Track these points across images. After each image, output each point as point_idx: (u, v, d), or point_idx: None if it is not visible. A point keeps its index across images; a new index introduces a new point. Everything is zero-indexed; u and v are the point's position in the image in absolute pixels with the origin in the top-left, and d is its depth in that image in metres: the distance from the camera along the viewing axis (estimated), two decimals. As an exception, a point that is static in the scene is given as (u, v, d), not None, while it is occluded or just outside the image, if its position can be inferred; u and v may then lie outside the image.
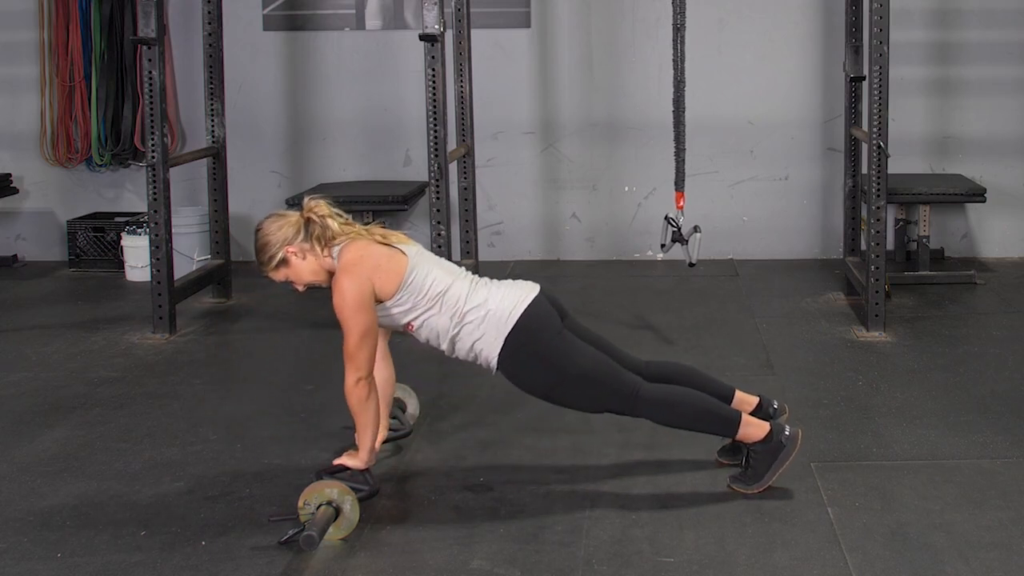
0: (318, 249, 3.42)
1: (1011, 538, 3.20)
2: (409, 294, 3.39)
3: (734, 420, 3.50)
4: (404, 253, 3.44)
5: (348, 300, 3.31)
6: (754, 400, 3.73)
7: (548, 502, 3.48)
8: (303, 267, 3.44)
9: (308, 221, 3.43)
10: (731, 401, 3.68)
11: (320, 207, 3.46)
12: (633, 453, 3.77)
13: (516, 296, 3.43)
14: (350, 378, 3.32)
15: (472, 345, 3.43)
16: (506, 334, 3.39)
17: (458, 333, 3.42)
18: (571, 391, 3.45)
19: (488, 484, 3.61)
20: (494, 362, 3.42)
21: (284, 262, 3.43)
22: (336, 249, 3.43)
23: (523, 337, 3.39)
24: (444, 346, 3.47)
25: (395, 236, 3.52)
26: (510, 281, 3.53)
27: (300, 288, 3.51)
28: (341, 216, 3.52)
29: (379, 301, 3.38)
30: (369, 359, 3.32)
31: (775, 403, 3.75)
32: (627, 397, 3.44)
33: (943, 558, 3.09)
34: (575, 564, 3.08)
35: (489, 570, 3.06)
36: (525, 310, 3.40)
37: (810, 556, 3.11)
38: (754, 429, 3.50)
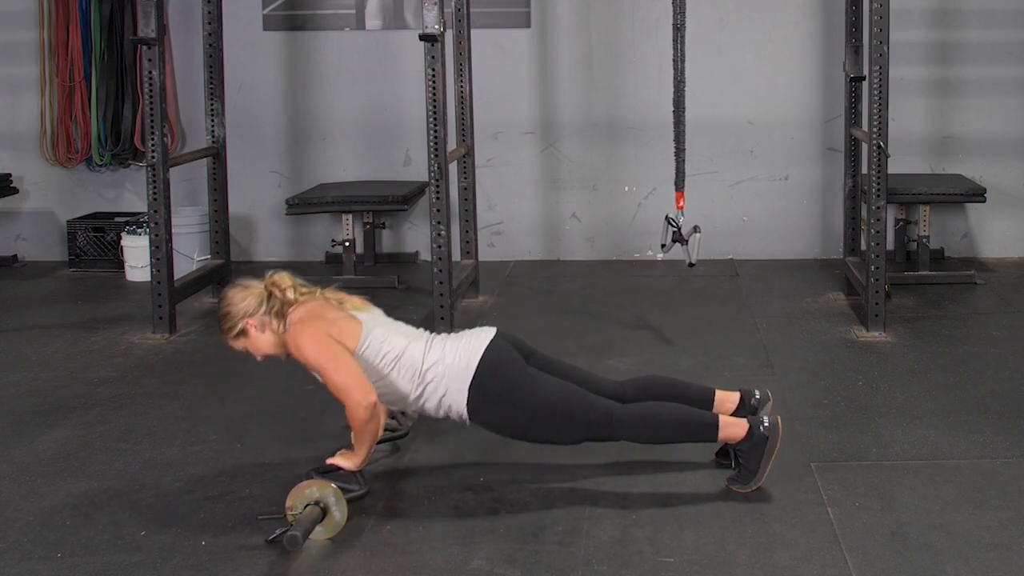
0: (276, 323, 3.45)
1: (1011, 538, 3.20)
2: (365, 360, 3.41)
3: (712, 426, 3.51)
4: (359, 320, 3.46)
5: (308, 341, 3.35)
6: (735, 396, 3.74)
7: (548, 502, 3.48)
8: (262, 340, 3.47)
9: (270, 295, 3.46)
10: (712, 403, 3.69)
11: (283, 280, 3.50)
12: (633, 453, 3.77)
13: (471, 345, 3.46)
14: (348, 405, 3.33)
15: (440, 402, 3.45)
16: (469, 384, 3.41)
17: (421, 394, 3.45)
18: (545, 427, 3.46)
19: (488, 484, 3.61)
20: (465, 414, 3.45)
21: (243, 333, 3.47)
22: (288, 319, 3.45)
23: (486, 383, 3.41)
24: (410, 407, 3.51)
25: (351, 301, 3.55)
26: (467, 331, 3.56)
27: (259, 358, 3.54)
28: (303, 286, 3.55)
29: None
30: (359, 383, 3.32)
31: (757, 393, 3.75)
32: (602, 423, 3.46)
33: (943, 558, 3.09)
34: (575, 564, 3.08)
35: (489, 570, 3.06)
36: (482, 356, 3.42)
37: (810, 556, 3.11)
38: (734, 429, 3.51)
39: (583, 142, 7.02)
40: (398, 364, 3.43)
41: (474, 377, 3.41)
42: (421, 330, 3.58)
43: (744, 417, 3.58)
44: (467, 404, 3.42)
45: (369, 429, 3.36)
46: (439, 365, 3.43)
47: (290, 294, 3.47)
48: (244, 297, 3.46)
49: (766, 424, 3.50)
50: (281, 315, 3.45)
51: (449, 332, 3.61)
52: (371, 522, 3.35)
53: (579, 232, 7.08)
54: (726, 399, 3.72)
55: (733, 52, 6.90)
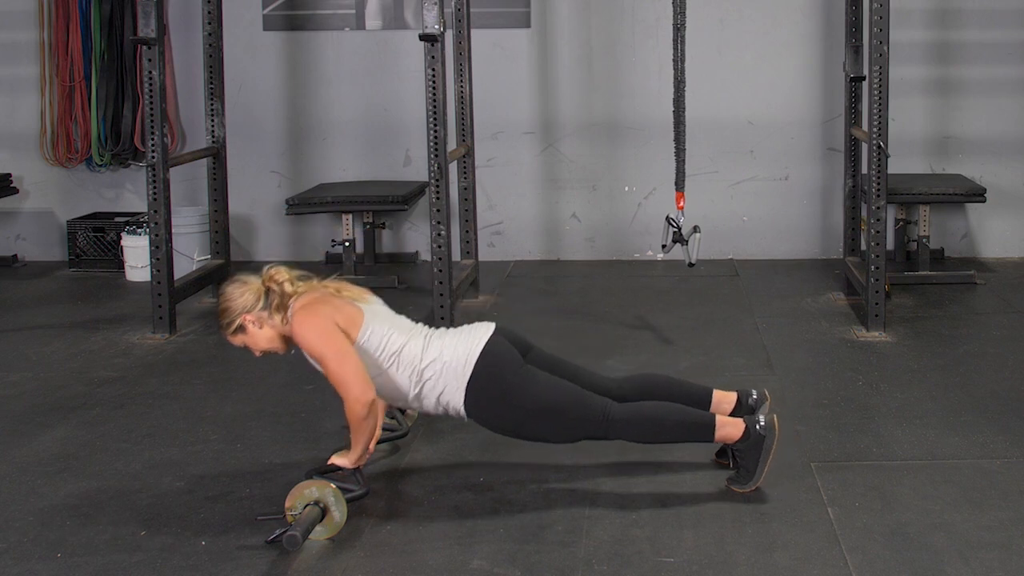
0: (276, 318, 3.44)
1: (1011, 538, 3.20)
2: (364, 352, 3.40)
3: (708, 426, 3.50)
4: (360, 309, 3.46)
5: (310, 330, 3.35)
6: (733, 396, 3.73)
7: (548, 502, 3.48)
8: (260, 335, 3.47)
9: (268, 290, 3.45)
10: (709, 403, 3.69)
11: (280, 274, 3.49)
12: (633, 453, 3.77)
13: (469, 342, 3.45)
14: (347, 400, 3.33)
15: (437, 399, 3.45)
16: (466, 381, 3.41)
17: (420, 391, 3.45)
18: (541, 426, 3.46)
19: (488, 484, 3.61)
20: (463, 411, 3.45)
21: (241, 329, 3.47)
22: (291, 308, 3.45)
23: (483, 381, 3.41)
24: (408, 404, 3.50)
25: (350, 291, 3.55)
26: (465, 327, 3.55)
27: (257, 354, 3.54)
28: (301, 279, 3.55)
29: None
30: (358, 378, 3.32)
31: (754, 393, 3.73)
32: (598, 422, 3.45)
33: (943, 558, 3.09)
34: (575, 564, 3.08)
35: (489, 570, 3.06)
36: (480, 353, 3.42)
37: (810, 556, 3.11)
38: (731, 429, 3.51)
39: (583, 142, 7.02)
40: (397, 360, 3.43)
41: (471, 376, 3.40)
42: (420, 325, 3.58)
43: (741, 417, 3.57)
44: (464, 402, 3.43)
45: (366, 426, 3.36)
46: (437, 363, 3.43)
47: (288, 287, 3.47)
48: (242, 293, 3.46)
49: (762, 424, 3.50)
50: (281, 308, 3.44)
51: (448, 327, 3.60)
52: (371, 522, 3.35)
53: (579, 232, 7.09)
54: (723, 399, 3.72)
55: (733, 52, 6.90)
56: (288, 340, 3.47)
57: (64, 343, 5.34)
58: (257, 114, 7.06)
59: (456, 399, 3.43)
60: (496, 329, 3.52)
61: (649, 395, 3.60)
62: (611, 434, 3.48)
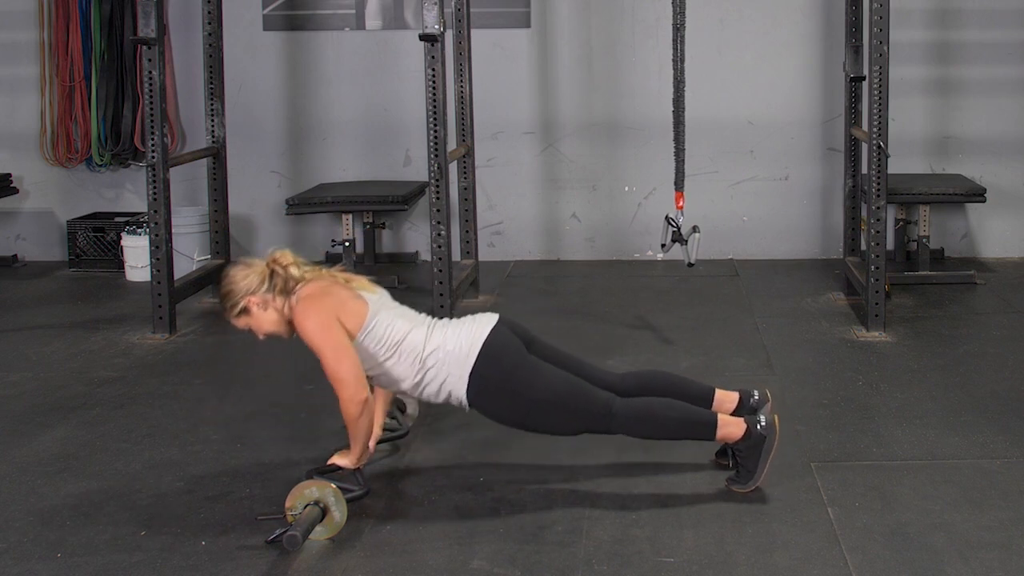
0: (279, 301, 3.44)
1: (1011, 538, 3.20)
2: (369, 341, 3.40)
3: (710, 424, 3.50)
4: (365, 299, 3.45)
5: (311, 323, 3.34)
6: (735, 396, 3.73)
7: (548, 502, 3.48)
8: (264, 318, 3.46)
9: (272, 272, 3.45)
10: (711, 402, 3.69)
11: (285, 257, 3.49)
12: (633, 453, 3.77)
13: (473, 331, 3.45)
14: (341, 398, 3.34)
15: (440, 388, 3.44)
16: (469, 370, 3.40)
17: (423, 379, 3.44)
18: (543, 417, 3.45)
19: (488, 484, 3.61)
20: (465, 400, 3.44)
21: (245, 311, 3.46)
22: (296, 294, 3.44)
23: (486, 370, 3.40)
24: (410, 392, 3.49)
25: (357, 281, 3.54)
26: (469, 317, 3.54)
27: (260, 336, 3.53)
28: (306, 264, 3.55)
29: None
30: (354, 376, 3.32)
31: (755, 393, 3.73)
32: (600, 416, 3.45)
33: (943, 558, 3.09)
34: (575, 564, 3.08)
35: (489, 570, 3.06)
36: (484, 343, 3.41)
37: (810, 556, 3.11)
38: (732, 428, 3.51)
39: (583, 142, 7.02)
40: (400, 349, 3.42)
41: (475, 365, 3.39)
42: (424, 315, 3.57)
43: (742, 417, 3.57)
44: (467, 391, 3.41)
45: (360, 424, 3.36)
46: (440, 351, 3.41)
47: (294, 271, 3.46)
48: (246, 275, 3.45)
49: (763, 424, 3.50)
50: (286, 292, 3.44)
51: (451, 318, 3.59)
52: (371, 522, 3.35)
53: (579, 232, 7.09)
54: (725, 399, 3.72)
55: (733, 52, 6.90)
56: (292, 325, 3.45)
57: (64, 343, 5.34)
58: (257, 114, 7.06)
59: (458, 388, 3.42)
60: (500, 320, 3.51)
61: (652, 391, 3.59)
62: (613, 428, 3.47)
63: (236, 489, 3.61)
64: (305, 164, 7.12)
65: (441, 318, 3.57)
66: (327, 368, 3.33)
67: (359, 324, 3.39)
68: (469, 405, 3.45)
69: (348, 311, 3.39)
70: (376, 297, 3.50)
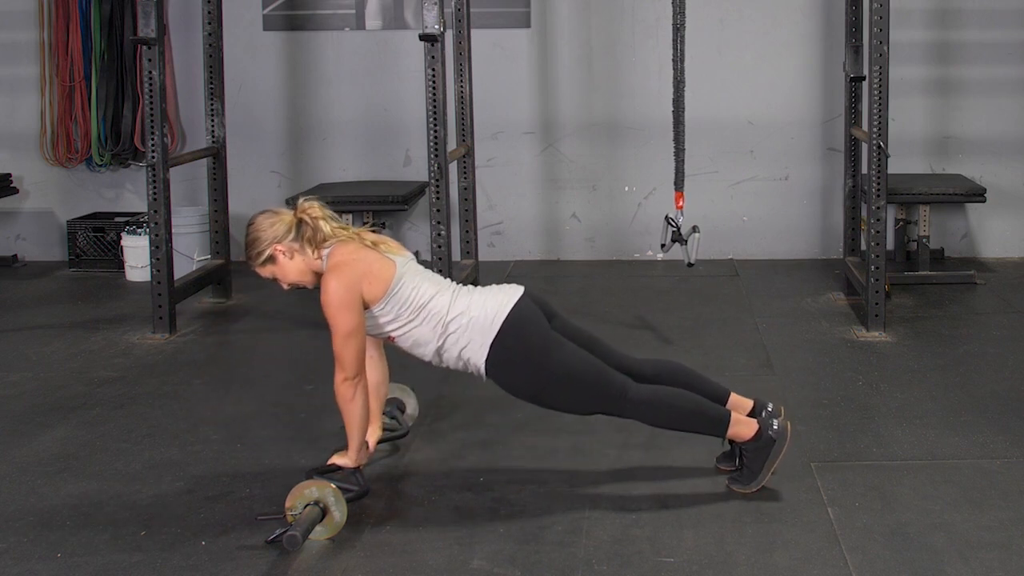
0: (308, 251, 3.43)
1: (1011, 538, 3.20)
2: (394, 304, 3.39)
3: (723, 420, 3.49)
4: (393, 262, 3.43)
5: (334, 299, 3.31)
6: (748, 404, 3.69)
7: (548, 502, 3.48)
8: (290, 266, 3.44)
9: (300, 222, 3.43)
10: (725, 402, 3.66)
11: (314, 208, 3.46)
12: (633, 453, 3.77)
13: (499, 300, 3.42)
14: (337, 377, 3.35)
15: (459, 353, 3.42)
16: (491, 339, 3.38)
17: (443, 344, 3.42)
18: (558, 393, 3.43)
19: (488, 484, 3.61)
20: (483, 368, 3.42)
21: (271, 259, 3.43)
22: (326, 251, 3.43)
23: (508, 341, 3.38)
24: (430, 356, 3.47)
25: (385, 244, 3.51)
26: (494, 286, 3.51)
27: (285, 286, 3.51)
28: (335, 219, 3.52)
29: (366, 307, 3.38)
30: (355, 360, 3.33)
31: (769, 406, 3.66)
32: (615, 398, 3.43)
33: (943, 558, 3.09)
34: (575, 564, 3.08)
35: (489, 570, 3.06)
36: (509, 314, 3.39)
37: (810, 556, 3.11)
38: (743, 428, 3.50)
39: (583, 142, 7.02)
40: (424, 312, 3.40)
41: (497, 334, 3.37)
42: (449, 280, 3.55)
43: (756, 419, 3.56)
44: (486, 360, 3.39)
45: (352, 409, 3.36)
46: (463, 317, 3.39)
47: (323, 225, 3.43)
48: (273, 223, 3.42)
49: (776, 427, 3.49)
50: (314, 242, 3.42)
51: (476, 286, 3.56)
52: (371, 522, 3.35)
53: (579, 232, 7.09)
54: (739, 403, 3.67)
55: (733, 52, 6.90)
56: (318, 276, 3.43)
57: (64, 343, 5.34)
58: (257, 114, 7.06)
59: (478, 356, 3.40)
60: (525, 292, 3.49)
61: (669, 381, 3.57)
62: (626, 412, 3.45)
63: (236, 489, 3.61)
64: (305, 164, 7.13)
65: (466, 284, 3.55)
66: (334, 345, 3.32)
67: (385, 287, 3.36)
68: (486, 375, 3.42)
69: (374, 275, 3.36)
70: (403, 260, 3.48)
